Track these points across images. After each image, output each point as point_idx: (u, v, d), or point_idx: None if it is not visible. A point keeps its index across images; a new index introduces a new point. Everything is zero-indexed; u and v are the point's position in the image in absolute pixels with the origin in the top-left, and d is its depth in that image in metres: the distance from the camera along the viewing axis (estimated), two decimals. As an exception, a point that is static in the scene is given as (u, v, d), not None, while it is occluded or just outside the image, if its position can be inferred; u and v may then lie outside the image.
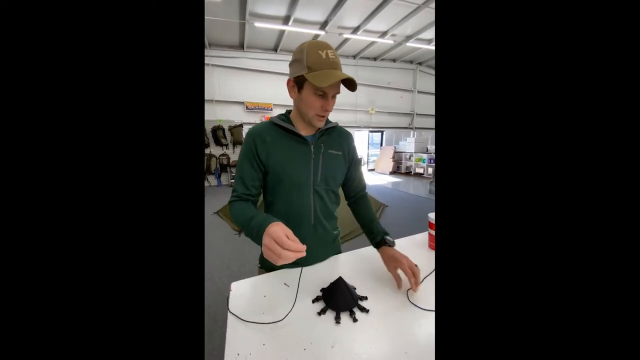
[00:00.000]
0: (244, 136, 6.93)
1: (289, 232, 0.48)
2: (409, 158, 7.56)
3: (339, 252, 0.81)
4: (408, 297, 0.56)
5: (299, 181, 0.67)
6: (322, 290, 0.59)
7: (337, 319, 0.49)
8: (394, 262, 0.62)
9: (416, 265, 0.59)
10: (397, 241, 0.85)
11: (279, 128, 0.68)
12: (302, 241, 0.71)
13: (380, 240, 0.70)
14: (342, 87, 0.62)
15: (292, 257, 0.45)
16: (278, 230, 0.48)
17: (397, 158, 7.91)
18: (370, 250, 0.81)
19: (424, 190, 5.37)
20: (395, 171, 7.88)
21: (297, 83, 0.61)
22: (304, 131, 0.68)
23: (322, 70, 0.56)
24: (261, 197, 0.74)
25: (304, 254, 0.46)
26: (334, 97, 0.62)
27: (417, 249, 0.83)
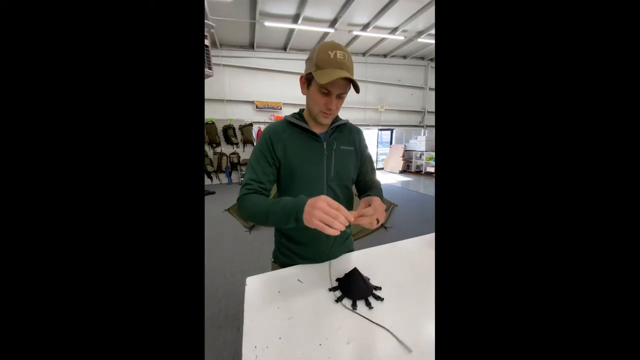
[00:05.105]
0: (254, 135, 6.88)
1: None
2: (420, 157, 7.42)
3: (352, 249, 0.81)
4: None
5: (313, 177, 0.69)
6: (338, 280, 0.60)
7: (354, 306, 0.52)
8: (367, 200, 0.61)
9: (378, 222, 0.57)
10: (406, 241, 0.85)
11: (294, 126, 0.70)
12: (316, 237, 0.74)
13: (369, 194, 0.70)
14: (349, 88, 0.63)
15: (345, 222, 0.47)
16: (327, 198, 0.49)
17: (407, 157, 7.78)
18: (383, 248, 0.81)
19: (434, 189, 5.25)
20: (405, 170, 7.76)
21: (307, 80, 0.64)
22: (317, 129, 0.70)
23: (328, 68, 0.58)
24: (273, 191, 0.75)
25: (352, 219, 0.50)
26: (340, 97, 0.63)
27: (427, 248, 0.81)
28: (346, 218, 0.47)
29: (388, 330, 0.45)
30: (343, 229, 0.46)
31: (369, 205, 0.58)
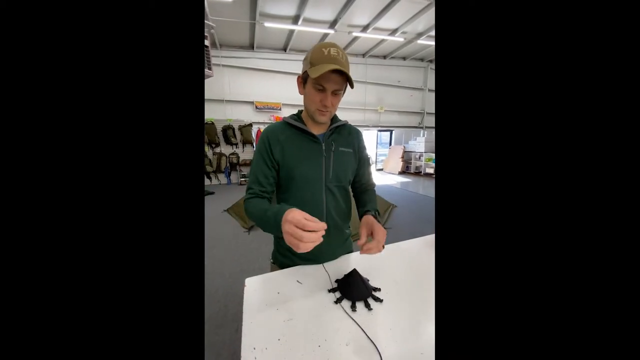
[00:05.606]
0: (253, 135, 6.88)
1: (307, 215, 0.48)
2: (419, 158, 7.44)
3: (351, 251, 0.81)
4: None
5: (311, 178, 0.68)
6: (337, 281, 0.60)
7: (353, 307, 0.52)
8: (369, 226, 0.63)
9: (384, 246, 0.62)
10: (406, 242, 0.85)
11: (292, 127, 0.70)
12: None
13: (368, 211, 0.71)
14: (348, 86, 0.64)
15: (314, 238, 0.45)
16: (296, 214, 0.47)
17: (407, 158, 7.80)
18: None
19: (434, 190, 5.26)
20: (405, 171, 7.77)
21: (304, 79, 0.65)
22: (315, 130, 0.70)
23: (321, 64, 0.58)
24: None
25: (323, 232, 0.46)
26: (335, 93, 0.63)
27: (427, 249, 0.81)
28: (317, 231, 0.45)
29: (373, 344, 0.45)
30: (312, 247, 0.45)
31: (371, 233, 0.61)
